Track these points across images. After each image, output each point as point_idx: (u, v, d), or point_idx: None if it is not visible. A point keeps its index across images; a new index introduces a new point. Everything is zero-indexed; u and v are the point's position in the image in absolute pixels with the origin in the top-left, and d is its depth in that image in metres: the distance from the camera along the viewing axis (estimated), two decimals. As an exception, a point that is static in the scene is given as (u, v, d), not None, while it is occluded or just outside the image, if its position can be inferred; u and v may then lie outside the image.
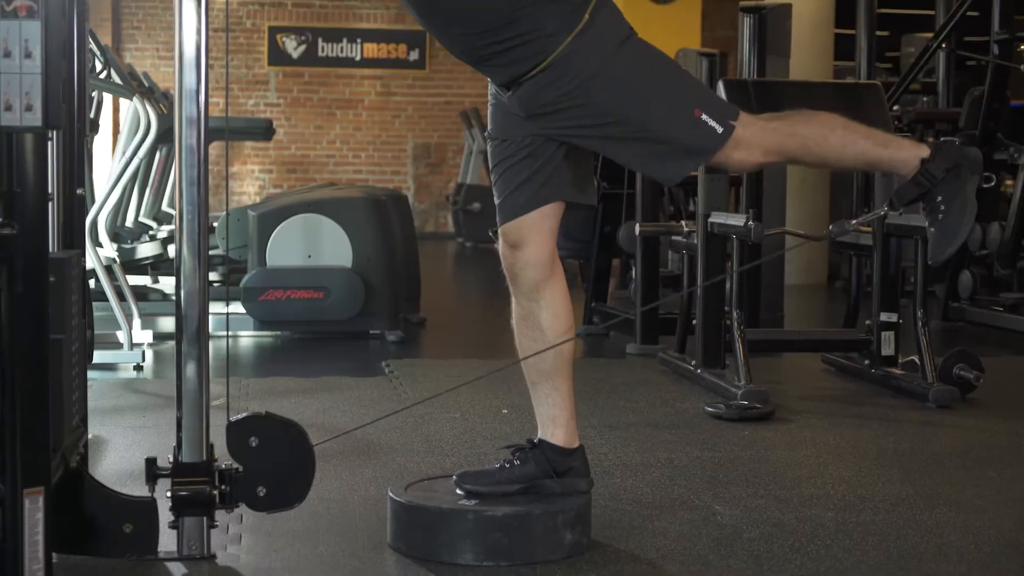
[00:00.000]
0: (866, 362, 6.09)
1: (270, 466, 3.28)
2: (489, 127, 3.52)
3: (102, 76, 7.58)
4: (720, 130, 3.30)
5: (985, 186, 3.38)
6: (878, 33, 8.01)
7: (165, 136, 8.02)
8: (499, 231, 3.49)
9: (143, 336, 6.80)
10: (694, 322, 6.13)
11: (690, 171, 3.47)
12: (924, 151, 3.39)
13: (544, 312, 3.46)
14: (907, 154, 3.40)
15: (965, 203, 3.39)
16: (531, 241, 3.45)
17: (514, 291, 3.49)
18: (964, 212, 3.39)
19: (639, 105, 3.30)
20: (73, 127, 3.61)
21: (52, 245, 3.42)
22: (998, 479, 4.29)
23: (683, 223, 6.61)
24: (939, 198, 3.39)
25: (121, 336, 6.39)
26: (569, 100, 3.29)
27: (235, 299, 7.39)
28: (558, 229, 3.48)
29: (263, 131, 10.92)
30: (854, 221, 3.71)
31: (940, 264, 3.17)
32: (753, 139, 3.32)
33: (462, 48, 3.34)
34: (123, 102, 11.30)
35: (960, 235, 3.39)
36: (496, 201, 3.50)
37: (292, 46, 17.69)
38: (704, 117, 3.30)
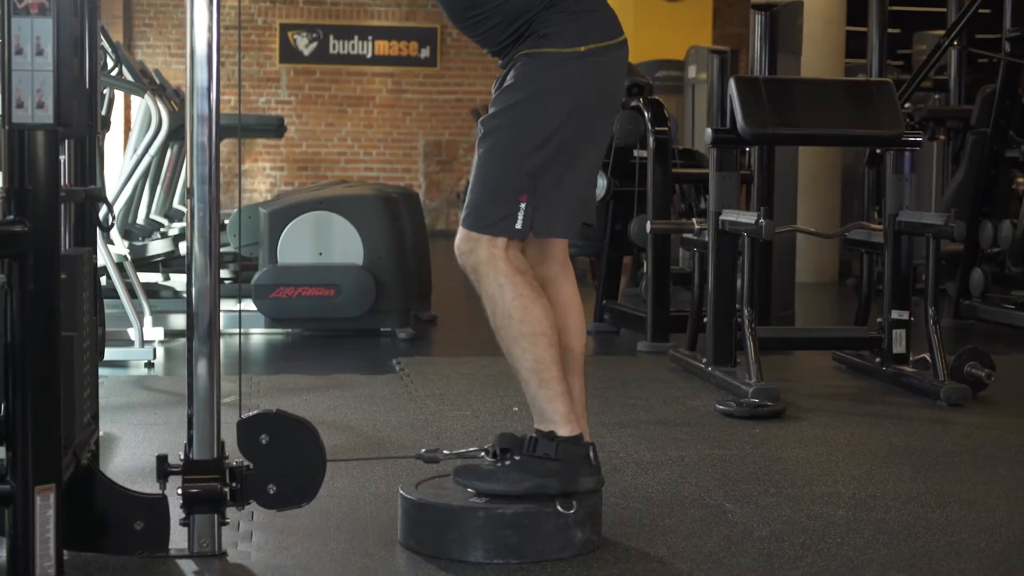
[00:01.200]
0: (877, 360, 6.08)
1: (281, 463, 3.28)
2: None
3: (114, 73, 7.59)
4: (519, 227, 3.28)
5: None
6: (890, 30, 8.01)
7: (176, 133, 8.03)
8: None
9: (154, 333, 6.81)
10: (705, 320, 6.12)
11: (474, 230, 3.36)
12: (564, 431, 3.32)
13: (555, 311, 3.45)
14: (548, 413, 3.33)
15: (519, 480, 3.31)
16: (539, 243, 3.45)
17: None
18: (509, 482, 3.31)
19: (510, 140, 3.29)
20: (85, 124, 3.61)
21: (64, 242, 3.42)
22: (1009, 477, 4.28)
23: (694, 220, 6.61)
24: (517, 458, 3.33)
25: (132, 333, 6.40)
26: (499, 93, 3.34)
27: (246, 296, 7.39)
28: None
29: (274, 128, 10.94)
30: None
31: (458, 483, 3.07)
32: (482, 255, 3.30)
33: (487, 40, 3.39)
34: (134, 99, 11.32)
35: (485, 486, 3.32)
36: None
37: (303, 43, 17.71)
38: (523, 205, 3.28)
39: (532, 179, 3.30)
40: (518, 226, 3.29)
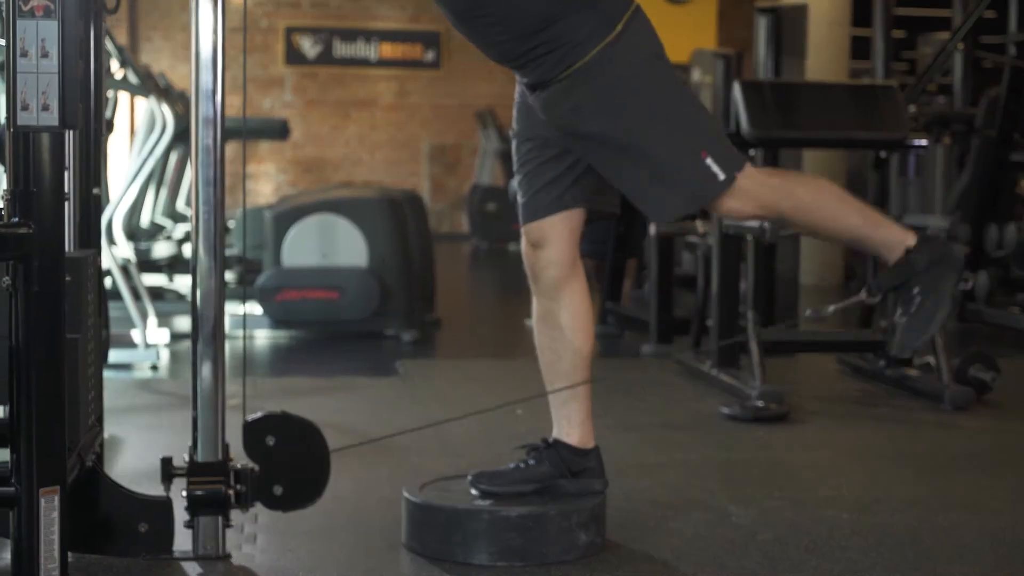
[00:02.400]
0: (881, 363, 6.08)
1: (285, 466, 3.29)
2: (514, 126, 3.53)
3: (119, 76, 7.59)
4: (722, 177, 3.28)
5: (963, 286, 3.36)
6: (894, 34, 8.02)
7: (181, 136, 8.04)
8: (522, 230, 3.50)
9: (159, 336, 6.81)
10: (709, 323, 6.12)
11: (685, 212, 3.42)
12: (911, 239, 3.37)
13: (564, 312, 3.47)
14: (894, 239, 3.38)
15: (940, 299, 3.34)
16: (553, 241, 3.45)
17: (535, 290, 3.49)
18: (937, 308, 3.34)
19: (649, 129, 3.28)
20: (90, 127, 3.62)
21: (68, 244, 3.42)
22: (1014, 480, 4.28)
23: (698, 224, 6.60)
24: (915, 289, 3.35)
25: (137, 336, 6.41)
26: (585, 109, 3.28)
27: (251, 299, 7.40)
28: (581, 230, 3.48)
29: (279, 131, 10.94)
30: (832, 308, 3.68)
31: (902, 355, 3.13)
32: (751, 192, 3.30)
33: (499, 51, 3.34)
34: (139, 102, 11.33)
35: (929, 330, 3.35)
36: (520, 200, 3.50)
37: (308, 46, 17.72)
38: (709, 161, 3.27)
39: (694, 131, 3.32)
40: (721, 178, 3.28)
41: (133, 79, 7.83)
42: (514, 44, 3.28)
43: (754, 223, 5.61)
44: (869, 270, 6.64)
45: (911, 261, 3.34)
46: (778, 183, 3.36)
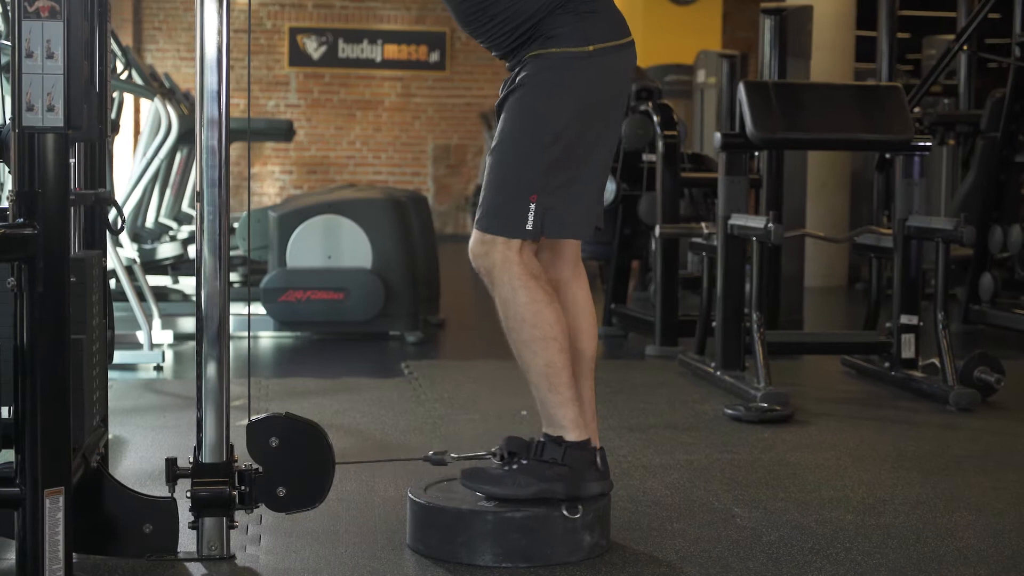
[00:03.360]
0: (886, 364, 6.08)
1: (290, 467, 3.29)
2: None
3: (123, 77, 7.60)
4: (530, 227, 3.29)
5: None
6: (899, 35, 8.01)
7: (186, 137, 8.05)
8: None
9: (163, 336, 6.81)
10: (713, 324, 6.12)
11: (489, 231, 3.32)
12: (571, 436, 3.34)
13: (566, 314, 3.46)
14: (557, 418, 3.35)
15: (526, 485, 3.32)
16: (548, 244, 3.46)
17: None
18: (516, 485, 3.32)
19: (521, 143, 3.30)
20: (95, 127, 3.62)
21: (73, 245, 3.43)
22: (1018, 482, 4.28)
23: (703, 225, 6.60)
24: (524, 462, 3.35)
25: (141, 336, 6.41)
26: (508, 93, 3.35)
27: (255, 300, 7.40)
28: None
29: (284, 132, 10.96)
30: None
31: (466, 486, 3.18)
32: (514, 265, 3.30)
33: (495, 42, 3.40)
34: (144, 103, 11.33)
35: (495, 490, 3.33)
36: None
37: (312, 47, 17.73)
38: (532, 206, 3.28)
39: (542, 178, 3.30)
40: (529, 227, 3.30)
41: (138, 80, 7.84)
42: (507, 35, 3.35)
43: (759, 224, 5.61)
44: (873, 270, 6.64)
45: (545, 447, 3.35)
46: (519, 282, 3.31)
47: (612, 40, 3.34)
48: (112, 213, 3.69)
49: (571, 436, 3.34)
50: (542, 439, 3.38)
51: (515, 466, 3.36)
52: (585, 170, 3.36)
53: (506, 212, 3.31)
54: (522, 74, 3.32)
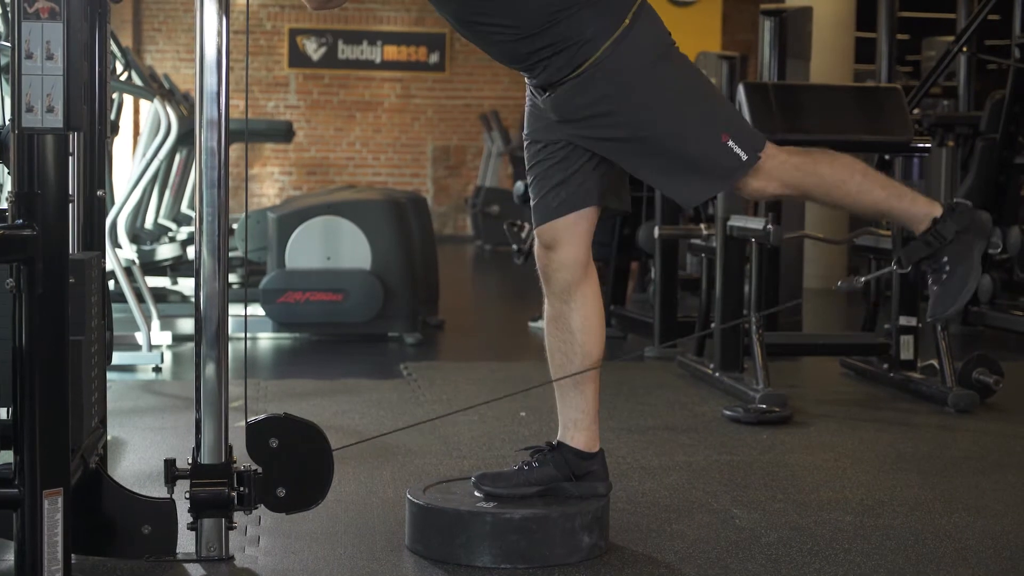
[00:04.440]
0: (885, 366, 6.08)
1: (289, 468, 3.29)
2: (525, 129, 3.54)
3: (123, 78, 7.60)
4: (744, 157, 3.32)
5: (994, 250, 3.43)
6: (899, 36, 8.00)
7: (185, 138, 8.04)
8: (534, 232, 3.50)
9: (162, 338, 6.82)
10: (712, 325, 6.12)
11: (711, 195, 3.49)
12: (937, 209, 3.42)
13: (575, 314, 3.47)
14: (920, 210, 3.44)
15: (970, 267, 3.41)
16: (565, 243, 3.45)
17: (547, 291, 3.49)
18: (968, 275, 3.41)
19: (668, 119, 3.31)
20: (94, 129, 3.62)
21: (72, 247, 3.43)
22: (1017, 483, 4.28)
23: (702, 226, 6.60)
24: (945, 258, 3.42)
25: (140, 338, 6.41)
26: (600, 107, 3.29)
27: (254, 301, 7.40)
28: (593, 231, 3.49)
29: (283, 133, 10.94)
30: (863, 278, 3.75)
31: (936, 322, 3.28)
32: (775, 171, 3.35)
33: (504, 53, 3.36)
34: (143, 104, 11.33)
35: (962, 298, 3.42)
36: (531, 203, 3.51)
37: (312, 48, 17.73)
38: (731, 143, 3.31)
39: (712, 116, 3.35)
40: (744, 158, 3.33)
41: (137, 81, 7.84)
42: (518, 45, 3.29)
43: (758, 225, 5.61)
44: (872, 271, 6.63)
45: (939, 231, 3.41)
46: (800, 161, 3.39)
47: (632, 2, 3.31)
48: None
49: (937, 211, 3.41)
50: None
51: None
52: (711, 88, 3.46)
53: (745, 135, 3.34)
54: (596, 90, 3.27)
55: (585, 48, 3.24)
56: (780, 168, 3.35)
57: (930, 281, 3.47)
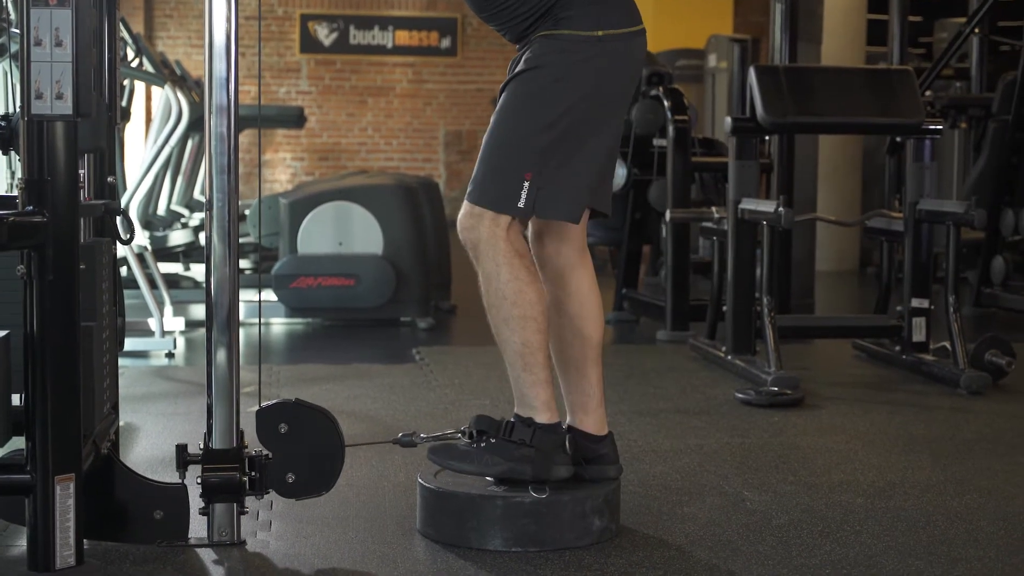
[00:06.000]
0: (897, 348, 6.08)
1: (300, 453, 3.30)
2: None
3: (134, 64, 7.61)
4: (521, 205, 3.30)
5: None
6: (911, 18, 7.97)
7: (197, 124, 8.06)
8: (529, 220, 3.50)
9: (174, 324, 6.83)
10: (724, 308, 6.13)
11: (479, 203, 3.37)
12: (542, 417, 3.35)
13: (572, 300, 3.47)
14: (529, 399, 3.36)
15: (491, 464, 3.34)
16: (555, 231, 3.46)
17: (543, 279, 3.49)
18: (482, 464, 3.35)
19: (516, 119, 3.32)
20: (104, 115, 3.63)
21: (83, 233, 3.43)
22: (1029, 465, 4.28)
23: (714, 209, 6.60)
24: (487, 441, 3.36)
25: (152, 324, 6.42)
26: (513, 72, 3.36)
27: (266, 286, 7.41)
28: (585, 221, 3.48)
29: (295, 119, 10.96)
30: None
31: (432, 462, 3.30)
32: (484, 232, 3.31)
33: (508, 26, 3.40)
34: (155, 90, 11.34)
35: (457, 466, 3.37)
36: None
37: (324, 34, 17.72)
38: (527, 184, 3.29)
39: (538, 158, 3.30)
40: (520, 204, 3.31)
41: (149, 68, 7.85)
42: (525, 21, 3.34)
43: (769, 208, 5.61)
44: (884, 254, 6.63)
45: (514, 427, 3.36)
46: (504, 259, 3.32)
47: (622, 27, 3.34)
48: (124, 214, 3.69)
49: (541, 418, 3.35)
50: (512, 419, 3.39)
51: (483, 444, 3.37)
52: (584, 154, 3.35)
53: (499, 187, 3.32)
54: (528, 53, 3.33)
55: (554, 22, 3.30)
56: (491, 238, 3.31)
57: (465, 439, 3.40)
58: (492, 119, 3.37)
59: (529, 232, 3.50)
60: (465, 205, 3.37)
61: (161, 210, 9.49)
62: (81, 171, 3.11)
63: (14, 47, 5.18)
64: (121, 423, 3.86)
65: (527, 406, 3.37)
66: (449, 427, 4.61)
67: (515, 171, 3.31)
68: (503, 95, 3.36)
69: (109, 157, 3.71)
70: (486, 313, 3.39)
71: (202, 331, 3.67)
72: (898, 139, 7.40)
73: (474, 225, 3.34)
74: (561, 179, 3.33)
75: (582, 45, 3.29)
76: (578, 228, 3.47)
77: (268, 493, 3.31)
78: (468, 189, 3.39)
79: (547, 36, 3.31)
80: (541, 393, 3.35)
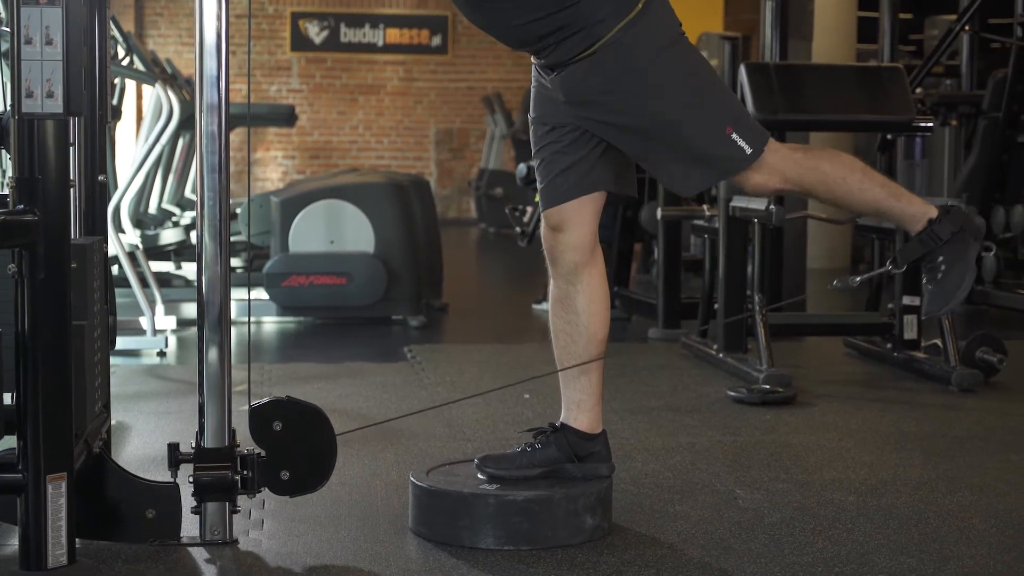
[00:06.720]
0: (888, 346, 6.08)
1: (292, 451, 3.29)
2: (531, 111, 3.53)
3: (124, 62, 7.60)
4: (748, 151, 3.33)
5: (987, 254, 3.47)
6: (901, 15, 7.98)
7: (188, 122, 8.04)
8: (541, 214, 3.50)
9: (166, 322, 6.82)
10: (716, 306, 6.13)
11: (709, 184, 3.50)
12: (933, 211, 3.44)
13: (581, 296, 3.48)
14: (917, 210, 3.46)
15: (965, 268, 3.44)
16: (573, 225, 3.46)
17: (553, 273, 3.50)
18: (963, 276, 3.44)
19: (673, 108, 3.32)
20: (95, 113, 3.62)
21: (74, 232, 3.43)
22: (1020, 463, 4.28)
23: (705, 207, 6.60)
24: (940, 259, 3.45)
25: (144, 322, 6.42)
26: (608, 89, 3.30)
27: (258, 285, 7.41)
28: (600, 213, 3.49)
29: (286, 117, 10.95)
30: (858, 278, 3.78)
31: (932, 317, 3.41)
32: (777, 165, 3.36)
33: (516, 36, 3.35)
34: (146, 88, 11.33)
35: (956, 298, 3.44)
36: (538, 185, 3.51)
37: (314, 32, 17.71)
38: (734, 136, 3.33)
39: (726, 98, 3.41)
40: (762, 127, 3.40)
41: (139, 66, 7.83)
42: (532, 27, 3.28)
43: (760, 206, 5.61)
44: (875, 251, 6.63)
45: (934, 232, 3.43)
46: (802, 157, 3.41)
47: None
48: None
49: (933, 212, 3.43)
50: (926, 228, 3.44)
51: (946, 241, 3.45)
52: (719, 80, 3.47)
53: (748, 129, 3.35)
54: (601, 69, 3.27)
55: (597, 28, 3.25)
56: (783, 163, 3.36)
57: (924, 280, 3.49)
58: (644, 121, 3.34)
59: (543, 226, 3.50)
60: (746, 174, 3.37)
61: (152, 209, 9.48)
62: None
63: (4, 45, 5.17)
64: (113, 422, 3.86)
65: (919, 218, 3.44)
66: (442, 425, 4.61)
67: (719, 134, 3.34)
68: (620, 108, 3.33)
69: (100, 155, 3.70)
70: (840, 205, 3.50)
71: (193, 330, 3.67)
72: (889, 136, 7.39)
73: (770, 171, 3.37)
74: (741, 107, 3.47)
75: (634, 25, 3.25)
76: (594, 224, 3.46)
77: (260, 491, 3.31)
78: (718, 172, 3.43)
79: (608, 43, 3.25)
80: (915, 199, 3.48)
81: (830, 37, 10.27)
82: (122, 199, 7.31)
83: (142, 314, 6.42)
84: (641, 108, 3.31)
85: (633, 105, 3.30)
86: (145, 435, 4.57)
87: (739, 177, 3.38)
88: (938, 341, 5.74)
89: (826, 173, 3.40)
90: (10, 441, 3.04)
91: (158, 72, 8.25)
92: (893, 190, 3.46)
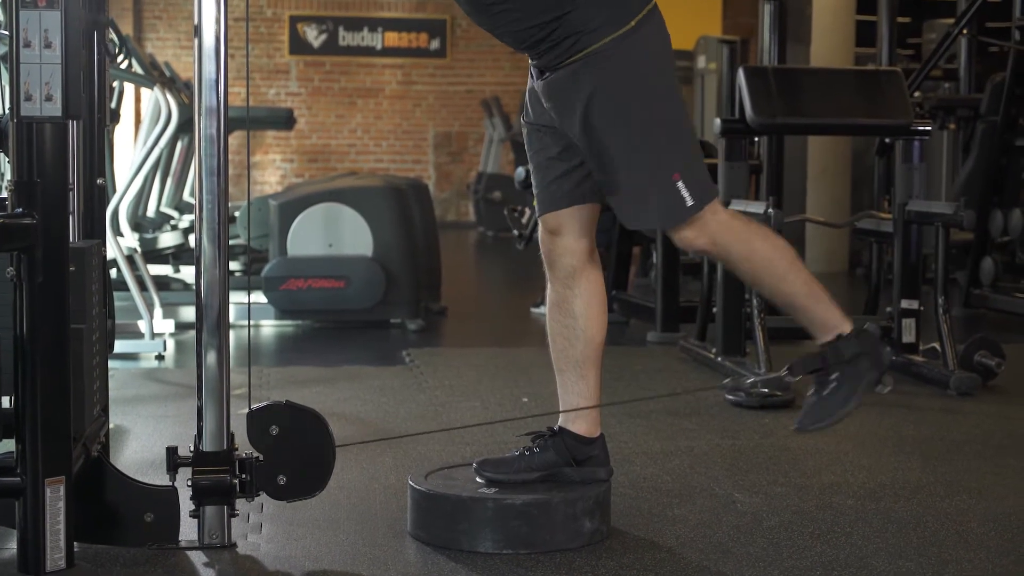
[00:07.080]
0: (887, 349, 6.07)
1: (290, 455, 3.29)
2: (526, 113, 3.52)
3: (123, 66, 7.60)
4: (690, 203, 3.31)
5: (881, 390, 3.47)
6: (900, 19, 7.99)
7: (186, 126, 8.04)
8: (538, 218, 3.50)
9: (164, 326, 6.82)
10: (714, 310, 6.13)
11: (645, 227, 3.45)
12: (847, 327, 3.43)
13: (578, 300, 3.47)
14: (830, 320, 3.44)
15: (852, 393, 3.43)
16: (569, 230, 3.46)
17: (550, 277, 3.50)
18: (848, 400, 3.43)
19: (631, 138, 3.29)
20: (93, 117, 3.62)
21: (72, 235, 3.43)
22: (1019, 467, 4.28)
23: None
24: (835, 375, 3.44)
25: (142, 326, 6.41)
26: (584, 96, 3.28)
27: (256, 288, 7.40)
28: (597, 218, 3.49)
29: (284, 120, 10.94)
30: (752, 380, 3.78)
31: (802, 432, 3.46)
32: (710, 226, 3.34)
33: (515, 37, 3.35)
34: (144, 92, 11.33)
35: (834, 418, 3.44)
36: (534, 189, 3.51)
37: (313, 35, 17.71)
38: (680, 184, 3.30)
39: (680, 149, 3.36)
40: (712, 184, 3.38)
41: (138, 69, 7.84)
42: (532, 30, 3.28)
43: (758, 209, 5.61)
44: (873, 255, 6.63)
45: (838, 348, 3.43)
46: (739, 227, 3.39)
47: (643, 7, 3.30)
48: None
49: (846, 328, 3.43)
50: (826, 348, 3.44)
51: (833, 380, 3.45)
52: (687, 125, 3.44)
53: (696, 183, 3.31)
54: (585, 76, 3.26)
55: (589, 36, 3.24)
56: (718, 227, 3.34)
57: (811, 391, 3.49)
58: (607, 151, 3.31)
59: (540, 230, 3.50)
60: (680, 228, 3.34)
61: (151, 212, 9.48)
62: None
63: (3, 49, 5.17)
64: (111, 425, 3.85)
65: (830, 329, 3.44)
66: (436, 427, 4.61)
67: (665, 179, 3.31)
68: (592, 128, 3.29)
69: (98, 159, 3.70)
70: (757, 288, 3.49)
71: (192, 333, 3.67)
72: (887, 140, 7.40)
73: (701, 230, 3.34)
74: (698, 157, 3.40)
75: (625, 39, 3.25)
76: (591, 230, 3.46)
77: (259, 495, 3.31)
78: (660, 217, 3.37)
79: (593, 52, 3.25)
80: (833, 308, 3.46)
81: (828, 41, 10.27)
82: (121, 202, 7.31)
83: (140, 318, 6.42)
84: (600, 130, 3.29)
85: (602, 116, 3.28)
86: (143, 439, 4.56)
87: (673, 226, 3.35)
88: (936, 345, 5.74)
89: (754, 251, 3.38)
90: (8, 444, 3.04)
91: (156, 75, 8.25)
92: (814, 290, 3.43)
